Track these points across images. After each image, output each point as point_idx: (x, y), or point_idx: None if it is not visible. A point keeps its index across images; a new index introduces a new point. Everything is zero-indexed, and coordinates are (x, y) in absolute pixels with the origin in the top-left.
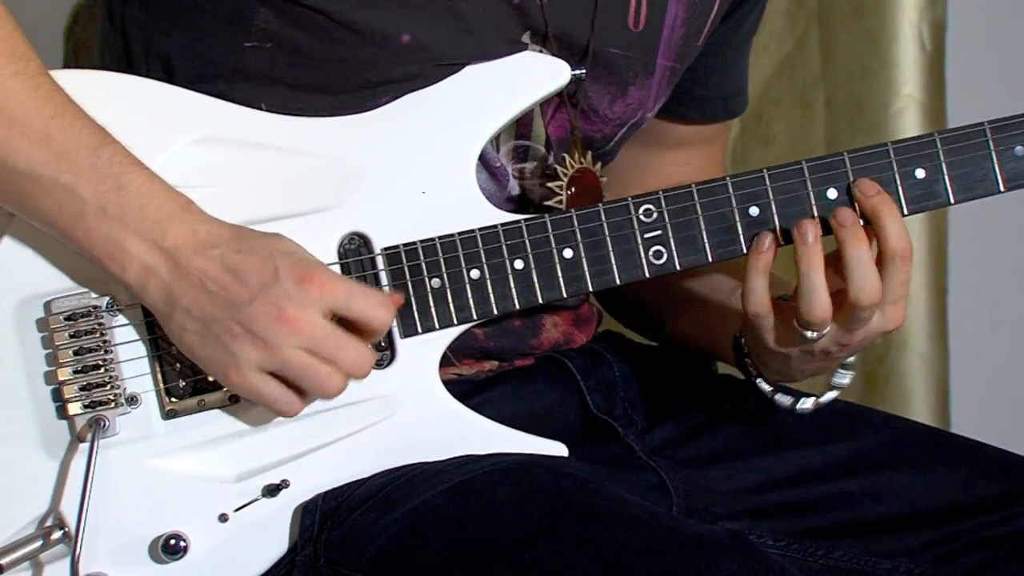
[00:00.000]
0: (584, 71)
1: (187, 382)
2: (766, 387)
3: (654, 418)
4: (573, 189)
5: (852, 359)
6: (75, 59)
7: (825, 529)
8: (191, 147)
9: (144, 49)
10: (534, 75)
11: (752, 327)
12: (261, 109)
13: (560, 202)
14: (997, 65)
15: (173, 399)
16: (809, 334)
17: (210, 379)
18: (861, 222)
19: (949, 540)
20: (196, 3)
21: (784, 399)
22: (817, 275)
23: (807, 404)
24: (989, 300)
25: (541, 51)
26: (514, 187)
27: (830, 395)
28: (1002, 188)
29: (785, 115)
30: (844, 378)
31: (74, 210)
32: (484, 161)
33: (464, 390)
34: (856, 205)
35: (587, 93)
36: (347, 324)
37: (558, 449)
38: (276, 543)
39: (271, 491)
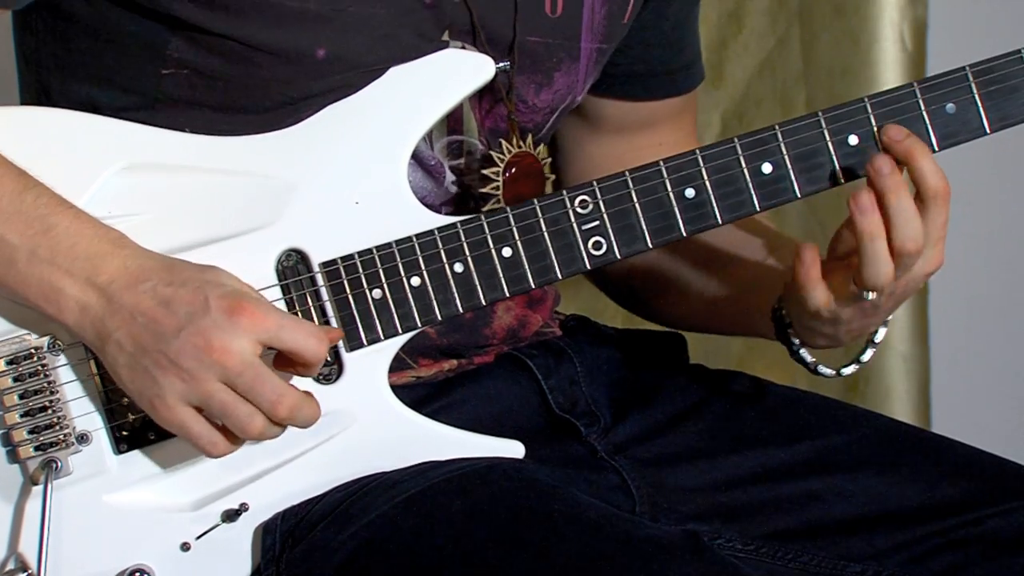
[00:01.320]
0: (509, 63)
1: (136, 416)
2: (809, 358)
3: (618, 412)
4: (513, 170)
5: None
6: None
7: (793, 531)
8: (117, 176)
9: (61, 87)
10: (458, 72)
11: (800, 299)
12: (186, 132)
13: (497, 188)
14: None
15: (124, 432)
16: (870, 295)
17: None
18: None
19: (918, 542)
20: (108, 37)
21: (827, 369)
22: (881, 244)
23: (849, 368)
24: (969, 299)
25: (463, 47)
26: (452, 184)
27: (870, 352)
28: (936, 147)
29: (766, 114)
30: (881, 334)
31: (4, 257)
32: (419, 160)
33: (423, 394)
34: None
35: (515, 84)
36: (283, 359)
37: (515, 449)
38: (241, 566)
39: (230, 516)
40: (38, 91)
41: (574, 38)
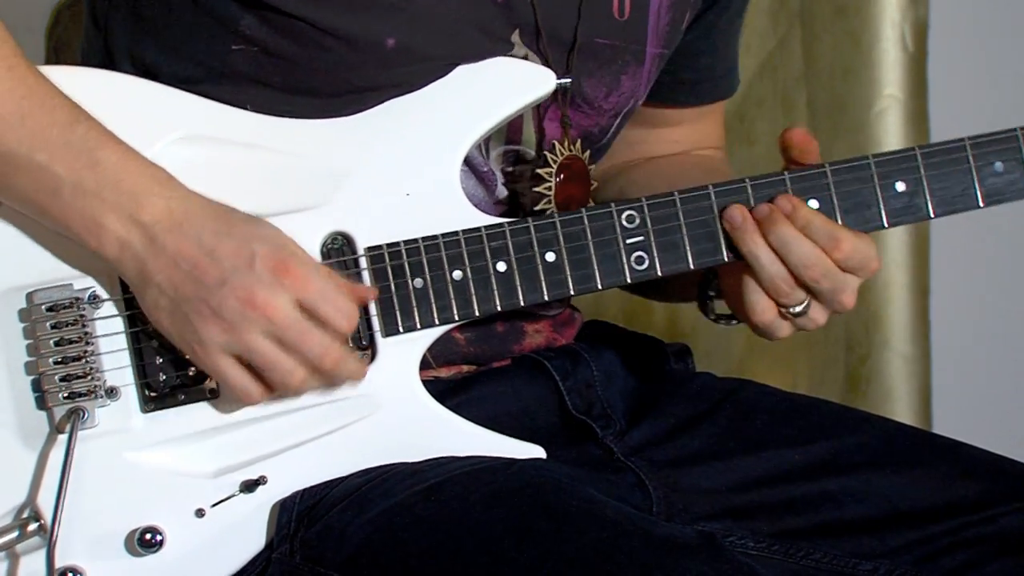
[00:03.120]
0: (570, 80)
1: (168, 376)
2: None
3: (633, 417)
4: (562, 176)
5: None
6: (56, 58)
7: (805, 530)
8: (175, 145)
9: (127, 50)
10: (520, 82)
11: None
12: (247, 110)
13: (549, 188)
14: (979, 65)
15: (153, 392)
16: (794, 310)
17: (191, 374)
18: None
19: (929, 541)
20: (182, 8)
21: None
22: (752, 293)
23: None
24: (971, 300)
25: (528, 55)
26: (503, 192)
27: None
28: (981, 204)
29: (767, 115)
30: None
31: (50, 187)
32: (472, 166)
33: (442, 389)
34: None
35: (582, 87)
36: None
37: (536, 452)
38: (253, 540)
39: (248, 487)
40: (103, 54)
41: (640, 41)
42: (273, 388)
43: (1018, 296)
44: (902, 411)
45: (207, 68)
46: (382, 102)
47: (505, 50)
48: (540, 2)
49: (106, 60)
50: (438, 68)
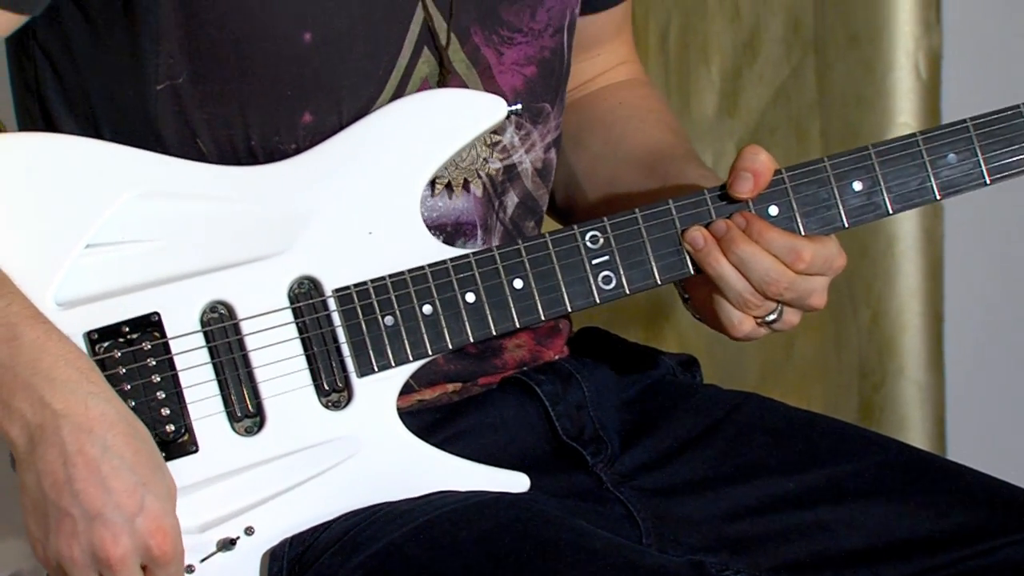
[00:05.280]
0: (520, 106)
1: (154, 433)
2: None
3: (628, 435)
4: None
5: None
6: None
7: (801, 563)
8: (134, 202)
9: (64, 112)
10: (472, 112)
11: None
12: (200, 150)
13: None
14: (993, 94)
15: None
16: (768, 319)
17: (168, 430)
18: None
19: (927, 573)
20: (99, 58)
21: None
22: (725, 307)
23: None
24: (985, 328)
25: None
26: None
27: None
28: (938, 196)
29: (781, 143)
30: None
31: None
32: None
33: (429, 422)
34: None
35: (502, 18)
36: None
37: (520, 481)
38: None
39: (225, 545)
40: (43, 117)
41: None
42: None
43: None
44: (917, 438)
45: (139, 115)
46: (310, 100)
47: (411, 4)
48: None
49: (47, 123)
50: (357, 55)
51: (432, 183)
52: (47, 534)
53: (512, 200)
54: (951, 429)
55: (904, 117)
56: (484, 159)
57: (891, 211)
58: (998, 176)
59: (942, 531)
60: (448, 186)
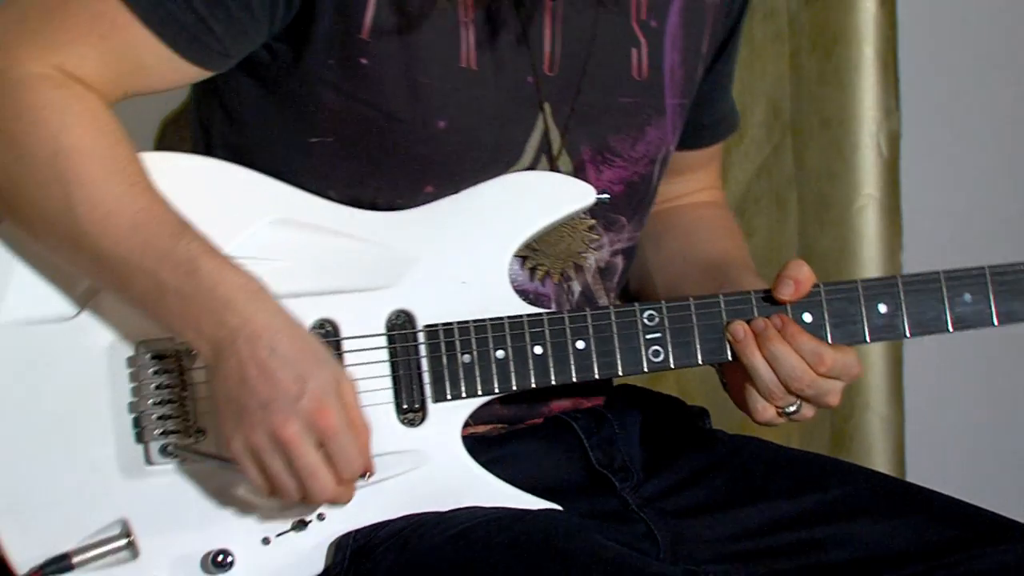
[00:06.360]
0: (608, 196)
1: None
2: None
3: (650, 467)
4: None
5: None
6: None
7: (794, 572)
8: (268, 227)
9: (224, 146)
10: (564, 195)
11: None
12: (330, 196)
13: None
14: (946, 169)
15: None
16: (787, 410)
17: None
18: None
19: None
20: (268, 114)
21: None
22: (753, 395)
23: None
24: (940, 369)
25: (552, 128)
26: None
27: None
28: (951, 329)
29: (764, 211)
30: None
31: (156, 291)
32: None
33: (479, 446)
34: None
35: (609, 143)
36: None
37: (553, 509)
38: (311, 568)
39: (299, 526)
40: (204, 149)
41: (659, 96)
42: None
43: (980, 365)
44: (881, 463)
45: (292, 160)
46: (435, 176)
47: (535, 118)
48: (564, 74)
49: (207, 151)
50: (483, 148)
51: (533, 270)
52: (236, 428)
53: (576, 288)
54: (909, 455)
55: (868, 189)
56: (580, 252)
57: (908, 335)
58: (1006, 320)
59: (919, 547)
60: (538, 270)
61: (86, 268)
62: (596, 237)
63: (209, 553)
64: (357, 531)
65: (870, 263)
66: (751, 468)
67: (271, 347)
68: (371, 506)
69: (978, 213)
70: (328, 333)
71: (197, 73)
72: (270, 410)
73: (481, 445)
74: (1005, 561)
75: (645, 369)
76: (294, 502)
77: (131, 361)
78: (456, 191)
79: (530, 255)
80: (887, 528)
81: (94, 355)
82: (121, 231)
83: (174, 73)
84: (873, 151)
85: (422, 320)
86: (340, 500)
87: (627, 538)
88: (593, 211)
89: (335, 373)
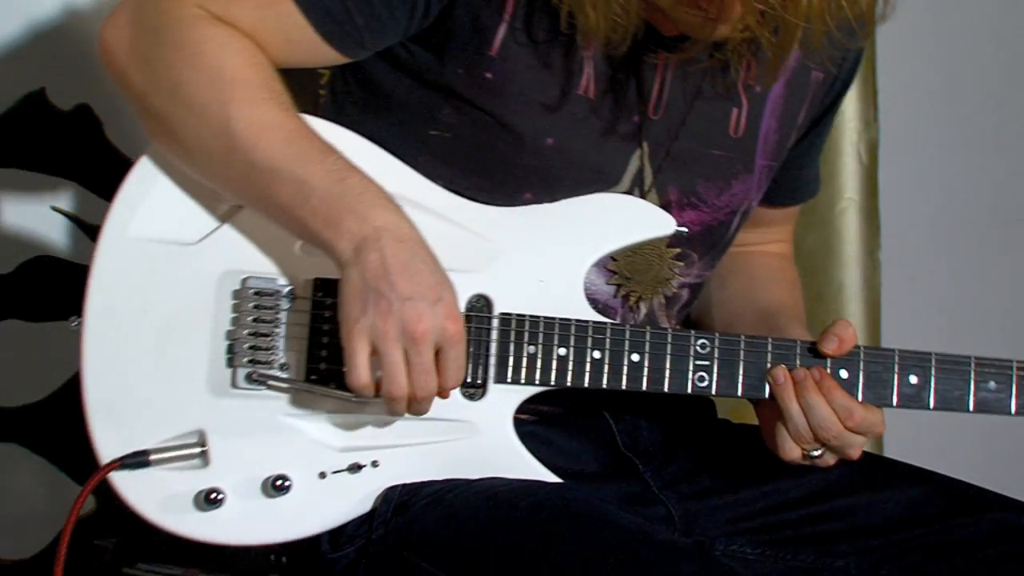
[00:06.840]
0: (686, 229)
1: (326, 366)
2: None
3: (670, 454)
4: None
5: None
6: None
7: (796, 541)
8: None
9: (353, 123)
10: (647, 221)
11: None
12: (439, 184)
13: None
14: (919, 176)
15: (313, 376)
16: (812, 454)
17: (344, 370)
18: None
19: (893, 546)
20: (397, 99)
21: None
22: (783, 434)
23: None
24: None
25: (648, 166)
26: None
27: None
28: (971, 409)
29: None
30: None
31: (302, 195)
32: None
33: (520, 422)
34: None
35: (696, 189)
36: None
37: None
38: (357, 508)
39: (354, 468)
40: (338, 115)
41: (750, 155)
42: (378, 389)
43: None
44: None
45: (411, 145)
46: (535, 186)
47: (632, 152)
48: (666, 119)
49: (332, 118)
50: (583, 168)
51: (626, 297)
52: (364, 312)
53: (642, 310)
54: (887, 441)
55: (849, 193)
56: (668, 279)
57: (931, 407)
58: (1022, 412)
59: (906, 516)
60: (631, 296)
61: (233, 181)
62: (681, 264)
63: (270, 477)
64: (402, 486)
65: (850, 260)
66: (758, 453)
67: (413, 252)
68: (420, 463)
69: (948, 215)
70: None
71: (335, 57)
72: (409, 304)
73: (520, 422)
74: (989, 530)
75: (689, 391)
76: (373, 402)
77: (236, 293)
78: (551, 200)
79: (623, 283)
80: (879, 500)
81: (205, 281)
82: (276, 144)
83: (314, 52)
84: (854, 158)
85: (499, 307)
86: (423, 407)
87: (647, 519)
88: (671, 242)
89: (456, 294)
